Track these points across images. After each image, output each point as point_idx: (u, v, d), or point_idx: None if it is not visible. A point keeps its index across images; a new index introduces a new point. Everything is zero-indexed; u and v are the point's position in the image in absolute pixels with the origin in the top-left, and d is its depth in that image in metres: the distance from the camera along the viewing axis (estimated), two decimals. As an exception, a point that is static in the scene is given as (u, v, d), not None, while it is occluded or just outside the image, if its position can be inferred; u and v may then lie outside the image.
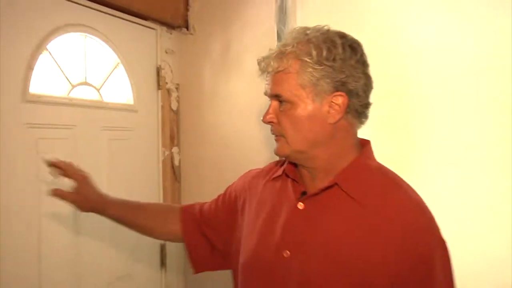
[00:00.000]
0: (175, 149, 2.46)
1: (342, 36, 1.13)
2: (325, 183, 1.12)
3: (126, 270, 2.16)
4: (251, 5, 2.23)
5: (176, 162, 2.46)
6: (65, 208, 1.75)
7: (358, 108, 1.13)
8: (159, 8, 2.26)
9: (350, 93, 1.10)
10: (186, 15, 2.40)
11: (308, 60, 1.08)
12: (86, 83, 2.01)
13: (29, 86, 1.72)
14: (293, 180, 1.22)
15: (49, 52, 1.83)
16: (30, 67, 1.73)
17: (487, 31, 1.72)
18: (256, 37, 2.20)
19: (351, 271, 1.04)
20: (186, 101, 2.46)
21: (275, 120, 1.14)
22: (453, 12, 1.81)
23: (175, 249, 2.37)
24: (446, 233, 1.11)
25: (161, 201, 2.38)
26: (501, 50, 1.67)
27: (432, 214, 1.09)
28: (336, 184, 1.11)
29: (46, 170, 1.39)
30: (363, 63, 1.13)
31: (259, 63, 1.17)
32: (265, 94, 1.17)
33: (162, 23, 2.33)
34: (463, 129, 1.78)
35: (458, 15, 1.78)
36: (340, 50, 1.09)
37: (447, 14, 1.83)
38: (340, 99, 1.09)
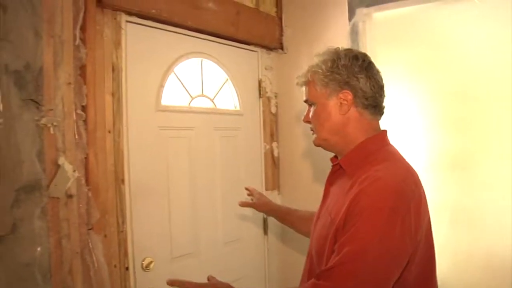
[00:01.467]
0: (274, 144, 2.63)
1: (349, 50, 1.29)
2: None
3: (236, 235, 2.38)
4: (330, 29, 2.37)
5: (276, 154, 2.64)
6: (184, 193, 2.06)
7: (364, 101, 1.25)
8: (260, 36, 2.47)
9: (354, 90, 1.24)
10: (281, 39, 2.58)
11: (319, 71, 1.25)
12: (202, 95, 2.26)
13: (161, 99, 2.00)
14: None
15: (175, 74, 2.10)
16: (161, 85, 2.01)
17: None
18: (334, 55, 2.33)
19: (328, 230, 1.16)
20: (283, 106, 2.64)
21: (310, 120, 1.31)
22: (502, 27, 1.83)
23: (275, 220, 2.54)
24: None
25: (263, 183, 2.56)
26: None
27: (390, 189, 1.09)
28: (339, 164, 1.27)
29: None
30: (365, 68, 1.25)
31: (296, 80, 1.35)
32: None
33: (262, 46, 2.53)
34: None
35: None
36: (342, 60, 1.25)
37: (497, 29, 1.85)
38: (346, 95, 1.24)
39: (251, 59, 2.51)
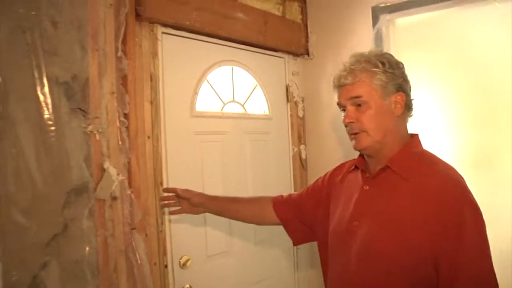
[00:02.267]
0: (302, 146, 2.69)
1: (391, 55, 1.33)
2: (381, 166, 1.28)
3: (267, 235, 2.39)
4: (354, 35, 2.42)
5: (303, 156, 2.69)
6: (218, 194, 2.10)
7: (410, 104, 1.31)
8: (286, 42, 2.53)
9: (405, 93, 1.29)
10: (307, 45, 2.64)
11: (377, 70, 1.26)
12: (234, 101, 2.34)
13: (195, 106, 2.08)
14: (362, 170, 1.37)
15: (208, 81, 2.18)
16: (195, 93, 2.09)
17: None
18: (359, 59, 2.38)
19: (397, 231, 1.18)
20: (310, 110, 2.69)
21: (354, 120, 1.27)
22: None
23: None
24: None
25: (292, 185, 2.61)
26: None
27: (463, 184, 1.18)
28: (387, 166, 1.26)
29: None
30: (406, 74, 1.32)
31: (334, 80, 1.33)
32: (339, 104, 1.32)
33: (289, 52, 2.59)
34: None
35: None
36: (395, 63, 1.29)
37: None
38: (400, 97, 1.27)
39: (279, 65, 2.58)
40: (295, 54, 2.64)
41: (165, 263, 1.90)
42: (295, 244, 1.66)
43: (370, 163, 1.35)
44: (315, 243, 1.71)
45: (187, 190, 1.72)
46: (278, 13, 2.50)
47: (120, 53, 1.71)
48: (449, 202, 1.13)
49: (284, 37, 2.51)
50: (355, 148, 1.31)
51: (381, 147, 1.28)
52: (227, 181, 2.22)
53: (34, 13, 1.46)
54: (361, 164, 1.39)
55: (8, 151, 1.36)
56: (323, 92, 2.59)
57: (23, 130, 1.41)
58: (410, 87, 1.32)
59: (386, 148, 1.28)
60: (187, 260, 1.98)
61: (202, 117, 2.12)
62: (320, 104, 2.62)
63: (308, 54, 2.65)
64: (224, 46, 2.23)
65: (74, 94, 1.57)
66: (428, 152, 1.31)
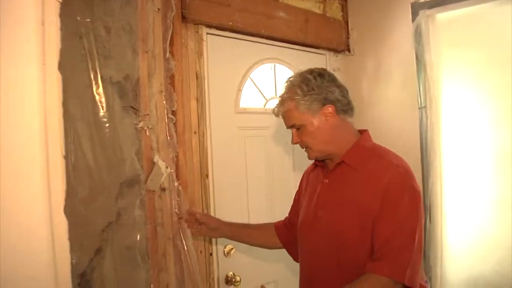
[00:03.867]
0: (342, 141, 2.67)
1: (311, 71, 1.42)
2: (337, 162, 1.41)
3: None
4: (394, 31, 2.37)
5: (344, 150, 2.67)
6: (261, 186, 2.15)
7: (343, 108, 1.40)
8: (327, 39, 2.51)
9: (332, 102, 1.38)
10: (348, 42, 2.61)
11: (297, 97, 1.38)
12: (275, 97, 2.33)
13: (239, 102, 2.12)
14: (321, 167, 1.51)
15: (251, 78, 2.21)
16: (239, 90, 2.13)
17: None
18: (400, 56, 2.35)
19: (354, 215, 1.32)
20: (350, 105, 2.66)
21: (299, 141, 1.43)
22: None
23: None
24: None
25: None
26: None
27: (408, 171, 1.34)
28: (342, 161, 1.39)
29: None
30: (332, 80, 1.41)
31: (273, 111, 1.49)
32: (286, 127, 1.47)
33: (330, 49, 2.56)
34: None
35: None
36: (313, 81, 1.38)
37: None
38: (329, 109, 1.38)
39: (320, 62, 2.56)
40: (336, 51, 2.61)
41: (211, 252, 1.95)
42: (297, 261, 1.70)
43: (327, 162, 1.48)
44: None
45: (205, 215, 1.82)
46: (318, 11, 2.48)
47: (168, 54, 1.76)
48: (393, 187, 1.29)
49: (325, 34, 2.49)
50: (308, 158, 1.49)
51: (329, 153, 1.42)
52: (270, 173, 2.25)
53: (89, 20, 1.54)
54: (319, 162, 1.53)
55: (68, 146, 1.44)
56: (364, 87, 2.55)
57: (81, 127, 1.50)
58: (341, 92, 1.40)
59: (336, 150, 1.41)
60: (231, 249, 2.03)
61: (245, 113, 2.15)
62: (361, 99, 2.57)
63: (349, 51, 2.61)
64: (266, 45, 2.25)
65: (126, 93, 1.64)
66: (379, 145, 1.45)
